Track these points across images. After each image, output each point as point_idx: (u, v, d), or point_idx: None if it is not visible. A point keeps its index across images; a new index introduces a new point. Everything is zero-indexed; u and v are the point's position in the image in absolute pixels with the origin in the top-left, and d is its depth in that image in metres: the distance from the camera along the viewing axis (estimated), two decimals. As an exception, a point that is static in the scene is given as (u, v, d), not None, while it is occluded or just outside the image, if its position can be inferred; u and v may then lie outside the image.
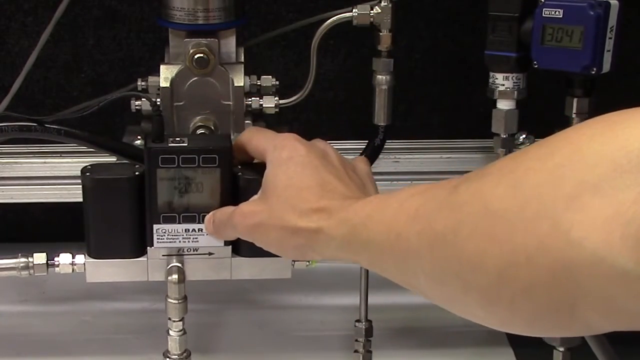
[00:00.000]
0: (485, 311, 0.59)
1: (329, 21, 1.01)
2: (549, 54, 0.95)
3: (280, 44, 1.27)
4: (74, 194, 1.06)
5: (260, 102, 1.02)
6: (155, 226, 0.88)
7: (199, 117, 1.02)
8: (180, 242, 0.89)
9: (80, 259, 0.91)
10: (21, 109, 0.96)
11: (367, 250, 0.69)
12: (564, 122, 1.02)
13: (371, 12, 1.00)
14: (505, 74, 0.99)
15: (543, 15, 0.94)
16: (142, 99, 1.01)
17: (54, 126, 0.93)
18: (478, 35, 1.02)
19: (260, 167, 0.89)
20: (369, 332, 1.05)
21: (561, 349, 1.05)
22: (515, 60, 0.98)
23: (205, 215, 0.87)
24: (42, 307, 1.21)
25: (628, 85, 1.28)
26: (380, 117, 1.05)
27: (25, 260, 0.92)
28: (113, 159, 0.98)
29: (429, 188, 0.65)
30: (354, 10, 1.01)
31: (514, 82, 0.99)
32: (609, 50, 0.94)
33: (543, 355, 1.07)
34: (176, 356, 0.93)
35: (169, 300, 0.91)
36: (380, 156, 1.07)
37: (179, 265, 0.90)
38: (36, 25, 1.25)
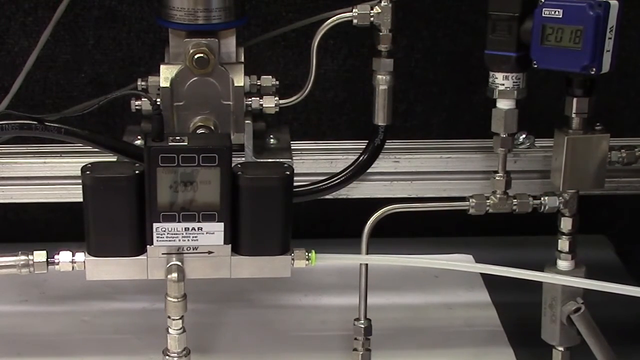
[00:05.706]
0: None
1: (329, 21, 1.02)
2: (549, 54, 0.95)
3: (280, 44, 1.28)
4: (74, 194, 1.06)
5: (260, 102, 1.03)
6: (155, 225, 0.88)
7: (199, 117, 1.02)
8: (180, 240, 0.89)
9: (80, 257, 0.91)
10: (21, 109, 0.96)
11: None
12: (564, 122, 1.02)
13: (371, 12, 1.00)
14: (505, 74, 0.99)
15: (543, 15, 0.94)
16: (142, 99, 1.01)
17: (54, 124, 0.93)
18: (478, 35, 1.02)
19: (260, 167, 0.89)
20: (368, 330, 1.05)
21: (560, 348, 1.05)
22: (515, 60, 0.98)
23: (204, 214, 0.87)
24: (42, 307, 1.21)
25: (628, 85, 1.28)
26: (380, 117, 1.05)
27: (26, 258, 0.92)
28: (113, 159, 0.98)
29: None
30: (354, 10, 1.01)
31: (513, 82, 0.99)
32: (608, 51, 0.94)
33: (543, 355, 1.07)
34: (175, 354, 0.93)
35: (169, 298, 0.91)
36: (380, 156, 1.07)
37: (179, 263, 0.90)
38: (36, 25, 1.25)
